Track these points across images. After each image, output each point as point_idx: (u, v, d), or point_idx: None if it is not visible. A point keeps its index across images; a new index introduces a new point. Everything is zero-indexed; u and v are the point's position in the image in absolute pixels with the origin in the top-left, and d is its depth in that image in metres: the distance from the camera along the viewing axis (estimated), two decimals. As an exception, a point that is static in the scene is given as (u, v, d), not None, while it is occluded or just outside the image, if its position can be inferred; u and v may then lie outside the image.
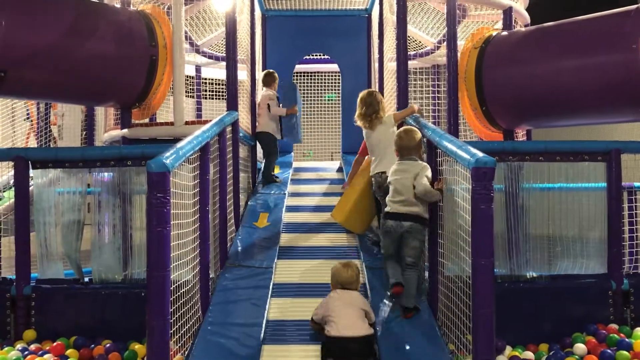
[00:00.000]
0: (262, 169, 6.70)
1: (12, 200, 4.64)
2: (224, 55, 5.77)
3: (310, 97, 10.22)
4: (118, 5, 5.82)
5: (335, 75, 9.75)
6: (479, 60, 5.63)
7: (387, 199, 4.23)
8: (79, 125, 8.79)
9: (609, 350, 4.02)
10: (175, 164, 3.20)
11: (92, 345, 4.15)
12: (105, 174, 4.65)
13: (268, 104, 6.69)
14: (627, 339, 4.14)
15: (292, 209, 5.91)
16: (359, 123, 4.97)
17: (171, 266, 3.15)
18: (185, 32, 6.66)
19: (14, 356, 3.94)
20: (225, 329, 3.76)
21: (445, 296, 3.90)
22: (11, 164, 4.72)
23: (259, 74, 7.46)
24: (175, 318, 3.36)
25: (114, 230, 4.53)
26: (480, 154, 3.12)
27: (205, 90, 8.94)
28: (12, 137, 8.64)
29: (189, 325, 3.67)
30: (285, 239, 5.20)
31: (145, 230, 3.03)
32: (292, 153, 8.24)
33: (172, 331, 3.24)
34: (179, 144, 3.42)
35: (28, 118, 8.86)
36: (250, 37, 6.93)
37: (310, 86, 10.18)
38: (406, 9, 5.55)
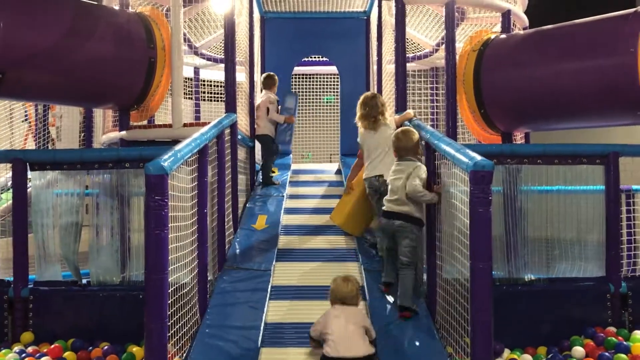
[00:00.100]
0: (261, 171, 6.70)
1: (10, 202, 4.63)
2: (223, 57, 5.78)
3: (309, 99, 10.22)
4: (117, 7, 5.81)
5: (334, 78, 9.75)
6: (477, 63, 5.64)
7: (384, 198, 4.31)
8: (77, 127, 8.78)
9: (607, 354, 4.02)
10: (174, 167, 3.20)
11: (90, 348, 4.15)
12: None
13: (268, 108, 6.69)
14: (625, 342, 4.14)
15: (290, 211, 5.91)
16: (360, 124, 4.92)
17: (169, 269, 3.14)
18: (184, 34, 6.66)
19: (11, 359, 3.94)
20: (223, 331, 3.76)
21: (443, 299, 3.90)
22: (9, 165, 4.71)
23: (258, 76, 7.46)
24: (173, 320, 3.36)
25: (112, 233, 4.52)
26: (478, 157, 3.12)
27: (204, 92, 8.93)
28: (10, 138, 8.64)
29: (187, 327, 3.66)
30: (283, 241, 5.19)
31: (144, 232, 3.02)
32: (291, 155, 8.24)
33: (170, 334, 3.24)
34: (177, 147, 3.42)
35: (26, 119, 8.86)
36: (249, 39, 6.93)
37: (309, 88, 10.18)
38: (405, 12, 5.57)
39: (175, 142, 3.60)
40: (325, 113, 10.31)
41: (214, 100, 9.04)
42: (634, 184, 5.10)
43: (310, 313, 4.03)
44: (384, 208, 4.28)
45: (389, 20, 6.29)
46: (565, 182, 4.68)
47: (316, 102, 10.23)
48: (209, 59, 8.17)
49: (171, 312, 3.28)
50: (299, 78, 9.94)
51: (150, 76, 5.56)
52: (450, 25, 5.60)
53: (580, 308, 4.45)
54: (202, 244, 3.99)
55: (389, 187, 4.28)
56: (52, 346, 4.11)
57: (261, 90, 7.01)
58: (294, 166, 7.85)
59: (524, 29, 6.48)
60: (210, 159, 4.32)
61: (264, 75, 7.11)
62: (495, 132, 5.89)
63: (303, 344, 3.70)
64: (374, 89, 7.62)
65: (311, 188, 6.77)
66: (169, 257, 3.15)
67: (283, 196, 6.25)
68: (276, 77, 6.94)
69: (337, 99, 9.27)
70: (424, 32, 7.63)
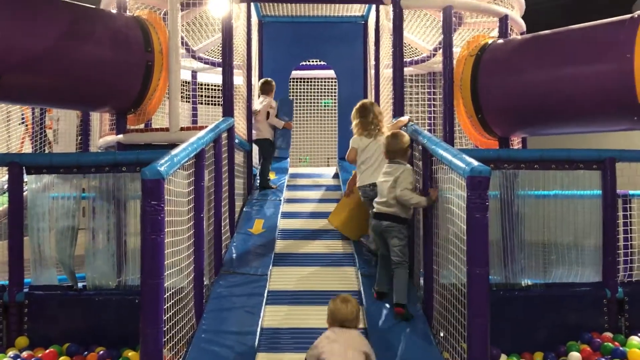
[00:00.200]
0: (259, 175, 6.70)
1: (6, 205, 4.62)
2: (220, 60, 5.77)
3: (307, 103, 10.22)
4: (114, 11, 5.81)
5: (331, 82, 9.76)
6: (474, 68, 5.65)
7: (374, 200, 4.41)
8: (74, 130, 8.76)
9: (603, 359, 4.02)
10: (170, 172, 3.19)
11: (85, 353, 4.14)
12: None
13: (268, 112, 6.75)
14: (621, 348, 4.15)
15: (287, 215, 5.90)
16: (357, 132, 4.88)
17: (165, 273, 3.13)
18: (182, 38, 6.66)
19: (6, 363, 3.92)
20: (219, 336, 3.75)
21: (440, 304, 3.89)
22: (5, 169, 4.69)
23: (256, 80, 7.47)
24: (169, 326, 3.34)
25: (109, 237, 4.51)
26: (475, 163, 3.12)
27: (202, 96, 8.93)
28: (6, 141, 8.62)
29: (183, 332, 3.65)
30: (280, 245, 5.19)
31: (140, 236, 3.02)
32: (289, 159, 8.24)
33: (165, 339, 3.22)
34: (174, 151, 3.41)
35: (23, 122, 8.84)
36: (246, 43, 6.93)
37: (307, 92, 10.18)
38: (402, 16, 5.58)
39: (173, 145, 3.59)
40: (323, 117, 10.31)
41: (212, 104, 9.05)
42: (630, 189, 5.12)
43: (307, 318, 4.03)
44: (373, 210, 4.39)
45: (387, 25, 6.30)
46: (562, 187, 4.69)
47: (314, 106, 10.23)
48: (206, 63, 8.17)
49: (167, 317, 3.27)
50: (296, 82, 9.95)
51: (148, 80, 5.56)
52: (448, 30, 5.61)
53: (577, 313, 4.46)
54: (198, 248, 3.97)
55: (378, 189, 4.40)
56: (47, 351, 4.10)
57: (259, 96, 7.03)
58: (291, 170, 7.85)
59: (522, 33, 6.50)
60: (207, 163, 4.32)
61: (261, 80, 7.14)
62: (492, 137, 5.90)
63: (299, 349, 3.68)
64: (371, 93, 7.63)
65: (308, 192, 6.76)
66: (165, 262, 3.14)
67: (280, 200, 6.24)
68: (274, 83, 6.98)
69: (335, 102, 9.28)
70: (421, 36, 7.64)
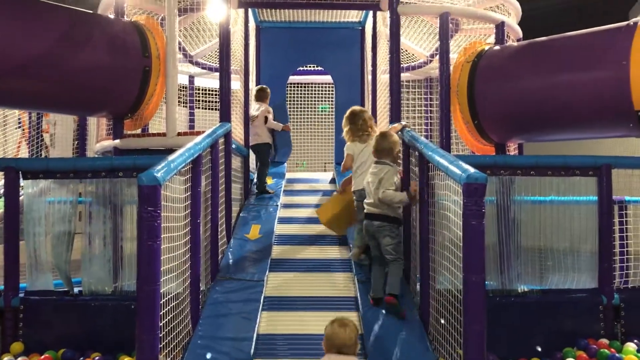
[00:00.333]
0: (256, 179, 6.72)
1: (1, 210, 4.60)
2: (218, 66, 5.78)
3: (304, 108, 10.24)
4: (112, 16, 5.82)
5: (328, 87, 9.78)
6: (471, 74, 5.67)
7: (364, 200, 4.50)
8: (71, 135, 8.76)
9: (599, 366, 4.03)
10: (167, 177, 3.19)
11: (81, 358, 4.11)
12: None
13: (266, 116, 6.83)
14: (617, 354, 4.15)
15: (284, 220, 5.90)
16: (348, 138, 4.95)
17: (162, 279, 3.13)
18: (179, 43, 6.67)
19: (0, 369, 3.90)
20: (216, 342, 3.74)
21: (436, 310, 3.89)
22: (1, 173, 4.68)
23: (253, 85, 7.49)
24: (165, 332, 3.34)
25: (105, 242, 4.50)
26: (471, 170, 3.13)
27: (199, 100, 8.94)
28: (3, 145, 8.61)
29: (179, 338, 3.64)
30: (277, 251, 5.18)
31: (136, 242, 3.01)
32: (285, 164, 8.24)
33: (162, 345, 3.21)
34: (171, 157, 3.41)
35: (20, 126, 8.83)
36: (244, 49, 6.95)
37: (304, 97, 10.20)
38: (399, 23, 5.60)
39: (170, 150, 3.59)
40: (320, 122, 10.33)
41: (209, 109, 9.05)
42: (626, 195, 5.13)
43: (304, 324, 4.03)
44: (365, 210, 4.46)
45: (384, 31, 6.32)
46: (558, 193, 4.69)
47: (311, 111, 10.24)
48: (203, 68, 8.18)
49: (163, 323, 3.26)
50: (294, 87, 9.97)
51: (145, 85, 5.56)
52: (445, 36, 5.64)
53: (573, 320, 4.45)
54: (194, 254, 3.97)
55: (365, 190, 4.49)
56: (43, 357, 4.07)
57: (254, 102, 7.08)
58: (288, 175, 7.85)
59: (518, 40, 6.53)
60: (204, 169, 4.32)
61: (257, 87, 7.26)
62: (488, 143, 5.91)
63: (296, 355, 3.69)
64: (368, 98, 7.65)
65: (305, 197, 6.76)
66: (162, 268, 3.13)
67: (277, 205, 6.24)
68: (268, 90, 7.14)
69: (332, 108, 9.30)
70: (418, 42, 7.66)
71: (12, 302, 4.35)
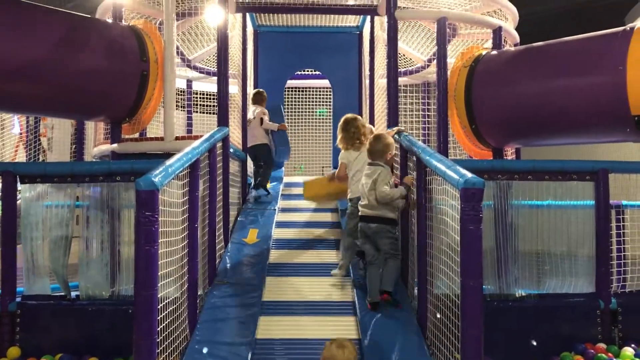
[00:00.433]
0: (260, 175, 6.81)
1: (-1, 214, 4.60)
2: (216, 70, 5.79)
3: (302, 112, 10.24)
4: (110, 20, 5.82)
5: (326, 91, 9.79)
6: (468, 79, 5.68)
7: (359, 203, 4.52)
8: (68, 139, 8.76)
9: (597, 370, 4.03)
10: (165, 182, 3.18)
11: (78, 363, 4.11)
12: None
13: (262, 118, 6.91)
14: (614, 359, 4.16)
15: (282, 224, 5.90)
16: (342, 146, 4.96)
17: (159, 284, 3.12)
18: (177, 47, 6.68)
19: (-3, 374, 3.89)
20: (213, 347, 3.72)
21: (434, 315, 3.89)
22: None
23: (251, 89, 7.50)
24: (163, 336, 3.33)
25: (102, 246, 4.49)
26: (469, 175, 3.13)
27: (197, 104, 8.94)
28: (1, 149, 8.60)
29: (177, 343, 3.63)
30: (274, 255, 5.18)
31: (134, 246, 3.01)
32: (283, 168, 8.24)
33: (159, 350, 3.21)
34: (168, 162, 3.40)
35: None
36: (242, 53, 6.96)
37: (302, 101, 10.21)
38: (397, 28, 5.61)
39: (168, 155, 3.59)
40: (318, 126, 10.33)
41: (207, 113, 9.05)
42: (623, 199, 5.15)
43: (302, 329, 4.02)
44: (360, 213, 4.47)
45: (381, 35, 6.33)
46: (556, 198, 4.71)
47: (309, 115, 10.25)
48: (201, 72, 8.19)
49: (161, 328, 3.25)
50: (291, 91, 9.98)
51: (143, 89, 5.56)
52: (442, 41, 5.65)
53: (571, 324, 4.47)
54: (192, 258, 3.96)
55: (360, 192, 4.51)
56: (39, 361, 4.07)
57: (251, 106, 7.12)
58: (286, 179, 7.85)
59: (515, 45, 6.55)
60: (201, 173, 4.31)
61: (254, 91, 7.31)
62: (486, 148, 5.92)
63: (293, 360, 3.68)
64: (366, 102, 7.67)
65: (303, 201, 6.74)
66: (159, 272, 3.13)
67: (275, 209, 6.23)
68: (265, 94, 7.19)
69: (330, 112, 9.31)
70: (415, 47, 7.68)
71: (9, 307, 4.34)
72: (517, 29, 6.73)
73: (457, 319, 3.27)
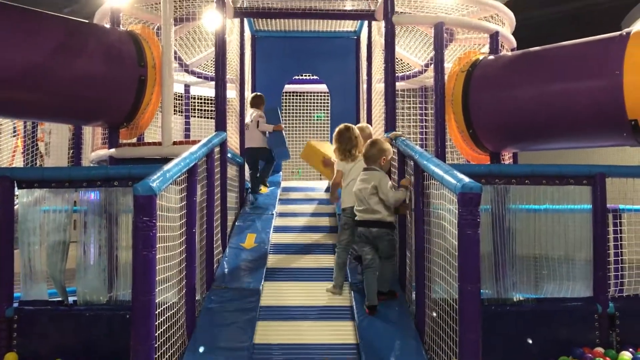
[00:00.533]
0: (260, 172, 6.93)
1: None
2: (213, 75, 5.80)
3: (300, 116, 10.26)
4: (107, 25, 5.83)
5: (324, 96, 9.81)
6: (465, 84, 5.70)
7: (354, 207, 4.56)
8: (66, 144, 8.74)
9: (595, 374, 4.02)
10: (162, 187, 3.18)
11: (75, 369, 4.09)
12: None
13: (258, 121, 6.98)
14: (612, 363, 4.16)
15: (280, 229, 5.90)
16: (338, 157, 4.95)
17: (157, 289, 3.12)
18: (175, 52, 6.69)
19: (-6, 380, 3.88)
20: (211, 353, 3.72)
21: (431, 319, 3.89)
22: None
23: (248, 94, 7.52)
24: (160, 342, 3.32)
25: (100, 252, 4.48)
26: (466, 179, 3.14)
27: (195, 109, 8.95)
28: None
29: (175, 348, 3.62)
30: (272, 260, 5.18)
31: (131, 251, 3.01)
32: (281, 172, 8.25)
33: (157, 355, 3.20)
34: (166, 167, 3.41)
35: (15, 134, 8.81)
36: (239, 58, 6.98)
37: (300, 106, 10.23)
38: (394, 33, 5.63)
39: (165, 159, 3.59)
40: (316, 131, 10.35)
41: (205, 117, 9.06)
42: (621, 203, 5.15)
43: (300, 334, 4.02)
44: (357, 218, 4.51)
45: (379, 40, 6.36)
46: (553, 202, 4.71)
47: (307, 120, 10.27)
48: (199, 76, 8.20)
49: (158, 333, 3.25)
50: (289, 96, 10.00)
51: (141, 94, 5.56)
52: (439, 45, 5.67)
53: (568, 328, 4.46)
54: (190, 263, 3.96)
55: (356, 197, 4.53)
56: (37, 367, 4.05)
57: (249, 110, 7.14)
58: (283, 183, 7.86)
59: (512, 49, 6.57)
60: (199, 178, 4.31)
61: (252, 94, 7.37)
62: (483, 152, 5.94)
63: (291, 365, 3.67)
64: (363, 107, 7.69)
65: (301, 206, 6.77)
66: (157, 278, 3.12)
67: (272, 214, 6.24)
68: (263, 97, 7.24)
69: (328, 116, 9.32)
70: (413, 51, 7.71)
71: (6, 312, 4.32)
72: (514, 33, 6.76)
73: (455, 324, 3.27)
